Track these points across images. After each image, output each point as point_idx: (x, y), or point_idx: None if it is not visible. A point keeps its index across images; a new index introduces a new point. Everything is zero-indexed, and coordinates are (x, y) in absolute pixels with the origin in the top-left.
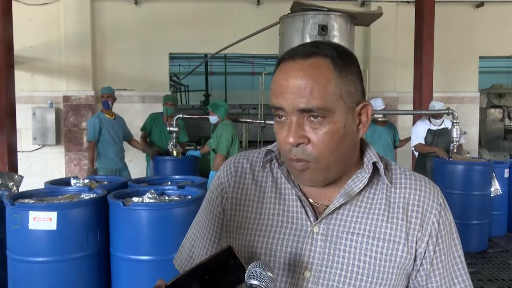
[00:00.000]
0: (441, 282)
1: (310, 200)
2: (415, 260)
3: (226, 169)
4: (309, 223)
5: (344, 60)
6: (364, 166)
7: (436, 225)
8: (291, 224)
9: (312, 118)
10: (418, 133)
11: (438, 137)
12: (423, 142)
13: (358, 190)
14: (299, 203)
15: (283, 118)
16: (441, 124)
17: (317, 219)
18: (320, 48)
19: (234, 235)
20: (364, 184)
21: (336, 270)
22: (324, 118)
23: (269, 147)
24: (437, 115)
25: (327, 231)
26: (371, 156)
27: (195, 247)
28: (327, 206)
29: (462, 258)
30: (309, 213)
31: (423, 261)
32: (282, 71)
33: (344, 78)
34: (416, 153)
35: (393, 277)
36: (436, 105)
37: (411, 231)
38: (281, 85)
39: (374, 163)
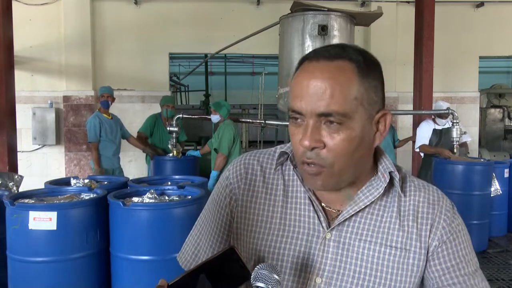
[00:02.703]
0: (457, 285)
1: (323, 204)
2: (427, 265)
3: (236, 170)
4: (321, 228)
5: (369, 66)
6: (379, 174)
7: (447, 229)
8: (302, 229)
9: (329, 123)
10: (423, 133)
11: (444, 136)
12: (427, 143)
13: (373, 199)
14: (311, 208)
15: (299, 120)
16: (445, 124)
17: (329, 223)
18: (347, 51)
19: (244, 238)
20: (380, 194)
21: (348, 277)
22: (342, 124)
23: (283, 148)
24: (443, 115)
25: (339, 238)
26: (387, 165)
27: (200, 245)
28: (339, 211)
29: (475, 260)
30: (322, 218)
31: (436, 266)
32: (305, 71)
33: (367, 85)
34: (422, 154)
35: (405, 285)
36: (443, 105)
37: (422, 238)
38: (302, 86)
39: (390, 173)
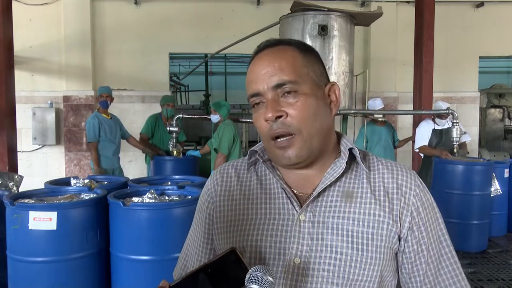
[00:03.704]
0: (429, 261)
1: (295, 191)
2: (399, 240)
3: (212, 177)
4: (295, 212)
5: (306, 48)
6: (341, 153)
7: (417, 205)
8: (278, 215)
9: (286, 94)
10: (422, 134)
11: (444, 136)
12: (427, 143)
13: (337, 175)
14: (284, 195)
15: (259, 104)
16: (445, 124)
17: (302, 206)
18: (285, 40)
19: (224, 235)
20: (343, 169)
21: (326, 253)
22: (296, 92)
23: (252, 148)
24: (442, 116)
25: (313, 218)
26: (346, 144)
27: (188, 255)
28: (311, 195)
29: (447, 237)
30: (294, 203)
31: (408, 242)
32: (254, 61)
33: (309, 59)
34: (422, 154)
35: (382, 256)
36: (443, 105)
37: (394, 211)
38: (254, 72)
39: (350, 150)
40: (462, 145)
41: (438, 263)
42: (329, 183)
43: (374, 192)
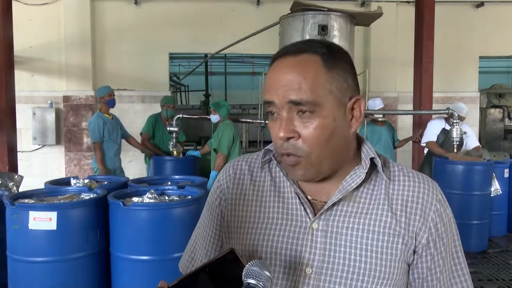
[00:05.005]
0: (441, 278)
1: (309, 197)
2: (414, 254)
3: (225, 172)
4: (308, 219)
5: (334, 57)
6: (362, 162)
7: (436, 221)
8: (290, 221)
9: (301, 113)
10: (432, 130)
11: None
12: (435, 140)
13: (355, 185)
14: (297, 200)
15: (275, 114)
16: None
17: (315, 214)
18: (311, 45)
19: (234, 235)
20: (362, 179)
21: (338, 265)
22: (313, 113)
23: (267, 147)
24: (460, 118)
25: (327, 227)
26: (368, 152)
27: (196, 248)
28: (325, 202)
29: (461, 254)
30: (308, 210)
31: (422, 258)
32: (273, 68)
33: (334, 73)
34: (426, 150)
35: (394, 270)
36: (464, 106)
37: (410, 227)
38: (272, 80)
39: (371, 159)
40: (477, 149)
41: (449, 282)
42: (346, 193)
43: (391, 205)
